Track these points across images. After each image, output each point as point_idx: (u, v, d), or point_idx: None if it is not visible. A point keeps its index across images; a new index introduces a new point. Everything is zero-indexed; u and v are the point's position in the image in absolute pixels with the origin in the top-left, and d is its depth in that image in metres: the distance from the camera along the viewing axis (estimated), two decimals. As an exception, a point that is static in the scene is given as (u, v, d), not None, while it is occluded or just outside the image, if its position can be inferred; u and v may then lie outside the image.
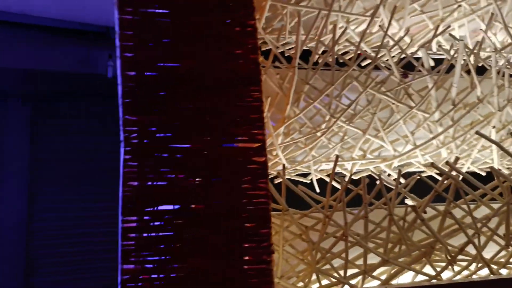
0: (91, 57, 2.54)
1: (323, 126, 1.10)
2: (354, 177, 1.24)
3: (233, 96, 0.84)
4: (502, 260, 1.11)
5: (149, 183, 0.79)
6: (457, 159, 0.98)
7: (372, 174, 1.27)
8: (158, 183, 0.79)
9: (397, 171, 0.99)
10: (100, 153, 2.70)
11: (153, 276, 0.75)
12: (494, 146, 1.22)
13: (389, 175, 1.25)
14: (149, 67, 0.82)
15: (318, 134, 1.09)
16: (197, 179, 0.80)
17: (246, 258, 0.79)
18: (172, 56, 0.83)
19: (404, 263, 1.03)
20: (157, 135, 0.81)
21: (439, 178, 1.29)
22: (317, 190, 1.18)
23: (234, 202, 0.80)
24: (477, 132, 1.01)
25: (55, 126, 2.67)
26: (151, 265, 0.75)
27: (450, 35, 1.11)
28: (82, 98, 2.67)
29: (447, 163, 0.97)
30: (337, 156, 0.97)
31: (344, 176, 1.25)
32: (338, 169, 1.21)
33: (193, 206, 0.78)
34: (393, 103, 1.11)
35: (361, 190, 0.98)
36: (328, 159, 1.16)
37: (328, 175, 1.22)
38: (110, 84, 2.85)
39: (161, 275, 0.75)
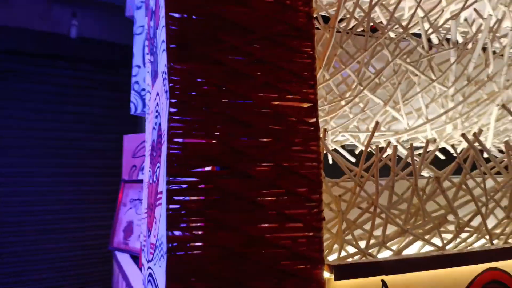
0: (52, 13, 2.27)
1: (347, 94, 1.06)
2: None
3: (285, 50, 0.77)
4: (497, 231, 1.16)
5: (197, 140, 0.70)
6: (480, 131, 1.00)
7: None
8: (207, 141, 0.71)
9: (425, 142, 0.99)
10: (58, 123, 2.46)
11: (202, 243, 0.68)
12: (491, 125, 1.27)
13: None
14: (197, 10, 0.72)
15: (342, 103, 1.05)
16: (247, 138, 0.73)
17: (297, 224, 0.73)
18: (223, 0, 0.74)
19: (418, 234, 1.04)
20: (205, 87, 0.72)
21: (438, 152, 1.33)
22: (330, 161, 1.15)
23: (285, 165, 0.74)
24: (503, 106, 1.03)
25: (9, 90, 2.37)
26: (200, 232, 0.68)
27: (475, 10, 1.12)
28: (41, 60, 2.40)
29: (474, 135, 0.98)
30: (377, 122, 0.94)
31: (355, 148, 1.24)
32: (352, 141, 1.19)
33: (243, 167, 0.71)
34: (416, 75, 1.10)
35: (390, 160, 0.96)
36: (347, 129, 1.13)
37: (342, 146, 1.19)
38: (73, 46, 2.59)
39: (210, 243, 0.68)
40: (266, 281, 0.70)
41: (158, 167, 0.75)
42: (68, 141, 2.51)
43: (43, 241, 2.37)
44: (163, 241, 0.67)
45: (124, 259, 1.37)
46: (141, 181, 1.60)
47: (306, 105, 0.77)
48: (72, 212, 2.46)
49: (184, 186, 0.68)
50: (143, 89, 1.42)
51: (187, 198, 0.68)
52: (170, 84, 0.69)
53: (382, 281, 0.80)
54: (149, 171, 0.88)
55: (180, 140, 0.69)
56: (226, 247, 0.68)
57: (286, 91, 0.76)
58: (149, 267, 0.79)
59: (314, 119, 0.77)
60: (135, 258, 1.39)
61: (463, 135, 0.96)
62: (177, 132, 0.69)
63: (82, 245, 2.48)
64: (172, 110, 0.69)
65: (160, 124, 0.77)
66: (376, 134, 1.21)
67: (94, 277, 2.49)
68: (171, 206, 0.66)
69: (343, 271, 0.76)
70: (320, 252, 0.74)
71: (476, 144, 1.04)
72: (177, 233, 0.67)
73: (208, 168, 0.70)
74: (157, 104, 0.82)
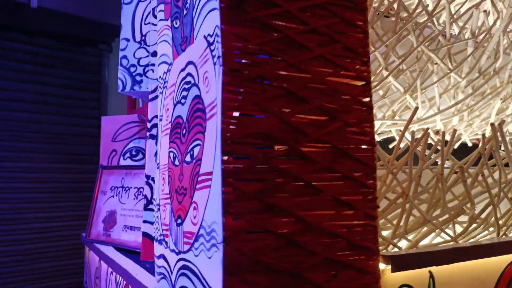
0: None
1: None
2: (378, 138, 1.19)
3: (339, 22, 0.70)
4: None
5: (252, 115, 0.62)
6: (502, 122, 1.00)
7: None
8: (263, 116, 0.62)
9: (452, 131, 0.96)
10: (16, 102, 2.21)
11: (259, 231, 0.59)
12: (491, 119, 1.29)
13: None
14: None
15: (366, 87, 1.00)
16: (303, 116, 0.65)
17: (352, 212, 0.67)
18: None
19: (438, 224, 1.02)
20: (260, 55, 0.63)
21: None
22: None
23: (341, 147, 0.67)
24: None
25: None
26: (257, 218, 0.59)
27: (492, 2, 1.12)
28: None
29: (499, 125, 0.98)
30: (416, 108, 0.90)
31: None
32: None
33: (301, 147, 0.64)
34: (436, 63, 1.08)
35: (421, 147, 0.93)
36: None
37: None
38: (33, 17, 2.33)
39: (267, 230, 0.60)
40: (322, 272, 0.63)
41: (198, 145, 0.66)
42: (27, 123, 2.27)
43: (2, 232, 2.12)
44: (214, 229, 0.58)
45: (110, 252, 1.23)
46: (123, 167, 1.46)
47: (359, 83, 0.71)
48: (31, 201, 2.23)
49: (239, 166, 0.59)
50: (133, 65, 1.29)
51: (242, 180, 0.59)
52: (223, 49, 0.60)
53: (430, 272, 0.76)
54: (172, 152, 0.78)
55: (234, 113, 0.60)
56: (283, 235, 0.61)
57: (341, 67, 0.69)
58: (181, 259, 0.69)
59: (368, 99, 0.71)
60: (119, 250, 1.26)
61: (492, 125, 0.95)
62: (231, 104, 0.60)
63: (47, 237, 2.25)
64: (226, 79, 0.60)
65: (198, 97, 0.67)
66: (388, 123, 1.18)
67: (62, 270, 2.27)
68: (225, 189, 0.57)
69: (400, 262, 0.71)
70: (375, 242, 0.68)
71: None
72: (233, 219, 0.58)
73: (264, 147, 0.62)
74: (189, 75, 0.72)
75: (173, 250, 0.72)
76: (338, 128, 0.68)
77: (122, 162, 1.51)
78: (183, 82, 0.75)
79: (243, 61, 0.62)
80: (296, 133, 0.64)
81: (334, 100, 0.68)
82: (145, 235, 0.99)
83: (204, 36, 0.66)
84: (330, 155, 0.66)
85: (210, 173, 0.60)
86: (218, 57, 0.60)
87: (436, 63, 1.08)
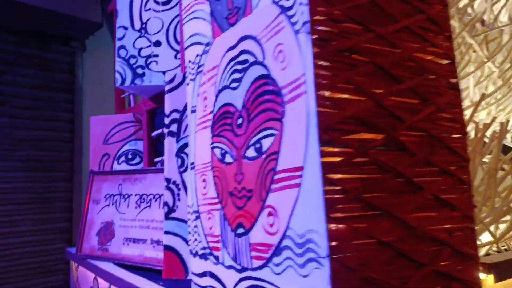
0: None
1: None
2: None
3: (422, -10, 0.60)
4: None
5: (345, 96, 0.50)
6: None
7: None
8: (356, 97, 0.50)
9: (505, 122, 0.89)
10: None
11: (366, 240, 0.47)
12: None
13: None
14: None
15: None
16: (396, 98, 0.54)
17: (452, 213, 0.57)
18: None
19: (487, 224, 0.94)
20: (347, 24, 0.51)
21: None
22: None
23: (436, 136, 0.57)
24: None
25: None
26: (361, 224, 0.47)
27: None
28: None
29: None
30: (483, 94, 0.82)
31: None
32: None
33: (398, 136, 0.52)
34: (474, 51, 1.00)
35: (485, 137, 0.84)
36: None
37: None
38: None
39: (374, 238, 0.48)
40: (429, 288, 0.52)
41: (271, 135, 0.53)
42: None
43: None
44: (312, 239, 0.45)
45: (113, 269, 1.06)
46: (120, 172, 1.28)
47: (445, 61, 0.61)
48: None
49: (338, 159, 0.47)
50: (133, 56, 1.13)
51: (343, 176, 0.47)
52: (313, 17, 0.48)
53: (519, 278, 0.67)
54: (218, 147, 0.64)
55: (326, 94, 0.48)
56: (389, 243, 0.49)
57: (428, 41, 0.59)
58: (248, 278, 0.55)
59: (455, 80, 0.61)
60: (121, 266, 1.09)
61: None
62: (324, 81, 0.48)
63: (11, 255, 1.99)
64: (316, 50, 0.48)
65: (265, 76, 0.55)
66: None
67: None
68: (327, 188, 0.45)
69: (502, 270, 0.61)
70: (476, 248, 0.58)
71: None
72: (336, 226, 0.45)
73: (361, 136, 0.50)
74: (244, 52, 0.59)
75: (231, 267, 0.59)
76: (431, 113, 0.57)
77: (116, 167, 1.34)
78: (233, 62, 0.62)
79: (330, 29, 0.50)
80: (393, 119, 0.53)
81: (422, 80, 0.57)
82: (168, 248, 0.84)
83: (275, 1, 0.53)
84: (428, 145, 0.55)
85: (299, 169, 0.48)
86: (305, 23, 0.48)
87: (474, 51, 1.01)
